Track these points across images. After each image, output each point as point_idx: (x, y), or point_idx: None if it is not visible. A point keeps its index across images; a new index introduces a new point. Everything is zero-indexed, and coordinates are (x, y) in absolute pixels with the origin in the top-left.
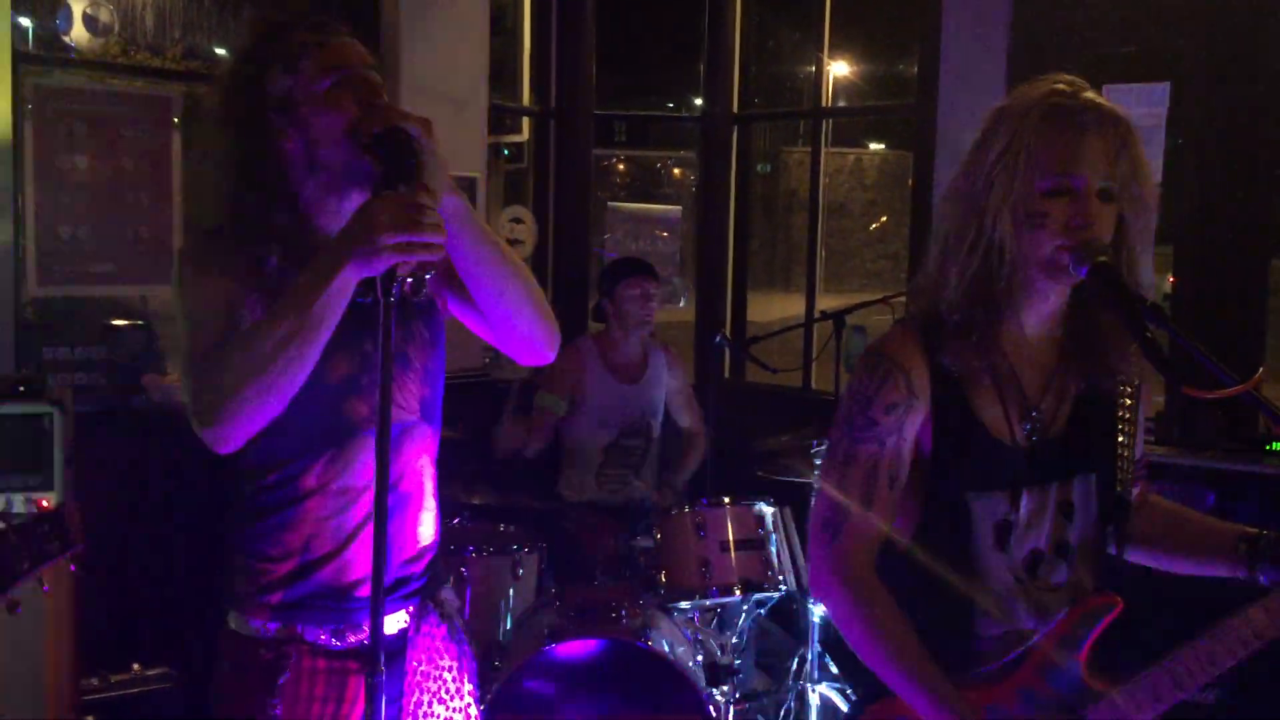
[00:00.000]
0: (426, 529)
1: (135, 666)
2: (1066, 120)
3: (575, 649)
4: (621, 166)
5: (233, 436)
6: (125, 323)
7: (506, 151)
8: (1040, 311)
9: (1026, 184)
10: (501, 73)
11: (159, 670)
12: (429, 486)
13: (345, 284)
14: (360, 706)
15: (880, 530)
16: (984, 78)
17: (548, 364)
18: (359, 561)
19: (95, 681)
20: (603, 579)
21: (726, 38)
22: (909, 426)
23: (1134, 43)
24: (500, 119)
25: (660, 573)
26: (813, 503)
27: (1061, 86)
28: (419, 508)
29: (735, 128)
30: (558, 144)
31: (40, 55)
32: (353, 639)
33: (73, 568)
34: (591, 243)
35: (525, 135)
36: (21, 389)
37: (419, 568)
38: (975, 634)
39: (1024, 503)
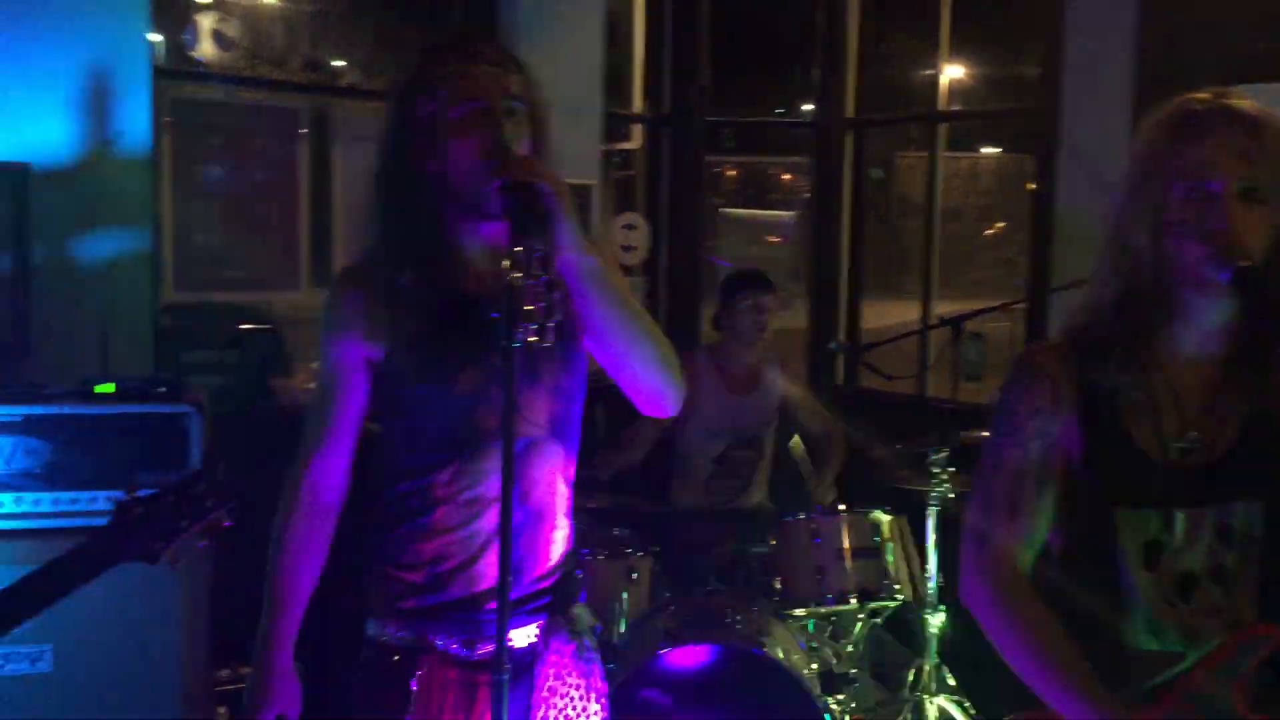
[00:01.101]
0: (558, 545)
1: None
2: (1196, 124)
3: (689, 655)
4: (731, 172)
5: None
6: (255, 327)
7: (616, 158)
8: (1197, 327)
9: (1162, 193)
10: (614, 80)
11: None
12: (560, 504)
13: None
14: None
15: (1029, 536)
16: (1110, 77)
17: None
18: (489, 573)
19: (227, 673)
20: (716, 585)
21: (842, 42)
22: (1054, 434)
23: (1274, 38)
24: (612, 126)
25: (775, 579)
26: (964, 509)
27: (1197, 94)
28: (550, 524)
29: (850, 133)
30: (670, 150)
31: (172, 70)
32: (483, 650)
33: (227, 523)
34: (703, 249)
35: (637, 142)
36: (163, 390)
37: (550, 583)
38: (1123, 653)
39: (1177, 524)
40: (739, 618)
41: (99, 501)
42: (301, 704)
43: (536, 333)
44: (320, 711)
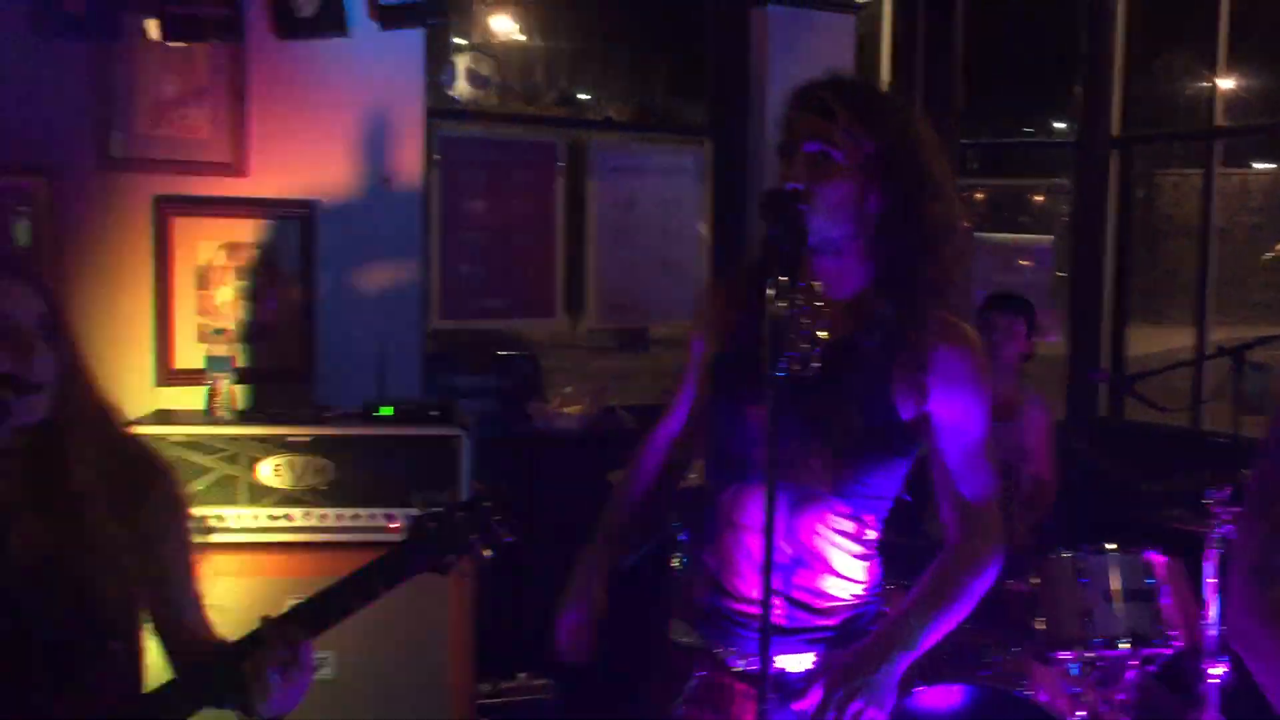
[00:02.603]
0: (836, 590)
1: (521, 675)
2: None
3: (944, 695)
4: (980, 195)
5: None
6: (513, 353)
7: None
8: None
9: None
10: None
11: (542, 681)
12: (838, 555)
13: None
14: None
15: None
16: None
17: None
18: (755, 596)
19: (488, 687)
20: (973, 622)
21: (1108, 57)
22: None
23: None
24: None
25: (1036, 619)
26: (1234, 544)
27: None
28: (823, 570)
29: (1115, 151)
30: None
31: (440, 110)
32: (753, 665)
33: (509, 538)
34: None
35: None
36: (435, 413)
37: (831, 621)
38: None
39: None
40: (998, 658)
41: (377, 517)
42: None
43: (799, 362)
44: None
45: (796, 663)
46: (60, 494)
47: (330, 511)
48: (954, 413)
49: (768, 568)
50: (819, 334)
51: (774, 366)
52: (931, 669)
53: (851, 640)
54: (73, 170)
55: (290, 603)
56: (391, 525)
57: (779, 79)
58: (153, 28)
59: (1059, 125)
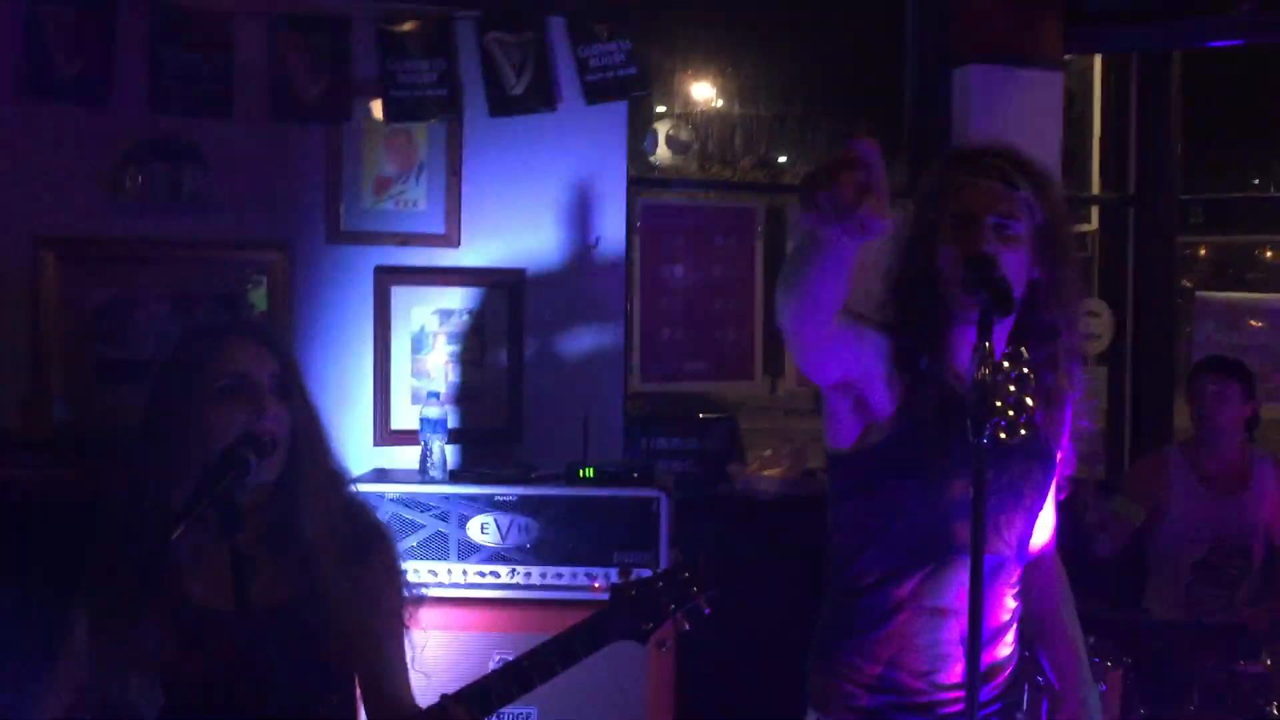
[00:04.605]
0: (1005, 655)
1: None
2: None
3: None
4: (1203, 252)
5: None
6: (713, 416)
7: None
8: None
9: None
10: (1070, 162)
11: None
12: (1009, 619)
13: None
14: None
15: None
16: None
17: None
18: (948, 682)
19: None
20: (1201, 706)
21: None
22: None
23: None
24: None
25: (1272, 704)
26: None
27: None
28: (1001, 638)
29: None
30: (1136, 231)
31: (638, 177)
32: None
33: (706, 610)
34: (1176, 336)
35: (1094, 225)
36: (635, 475)
37: (996, 693)
38: None
39: None
40: None
41: (579, 576)
42: None
43: (1006, 429)
44: None
45: None
46: (291, 547)
47: (535, 570)
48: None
49: (973, 647)
50: (1026, 400)
51: (979, 435)
52: None
53: (1014, 709)
54: (304, 243)
55: (497, 657)
56: (595, 584)
57: (981, 138)
58: (377, 109)
59: None
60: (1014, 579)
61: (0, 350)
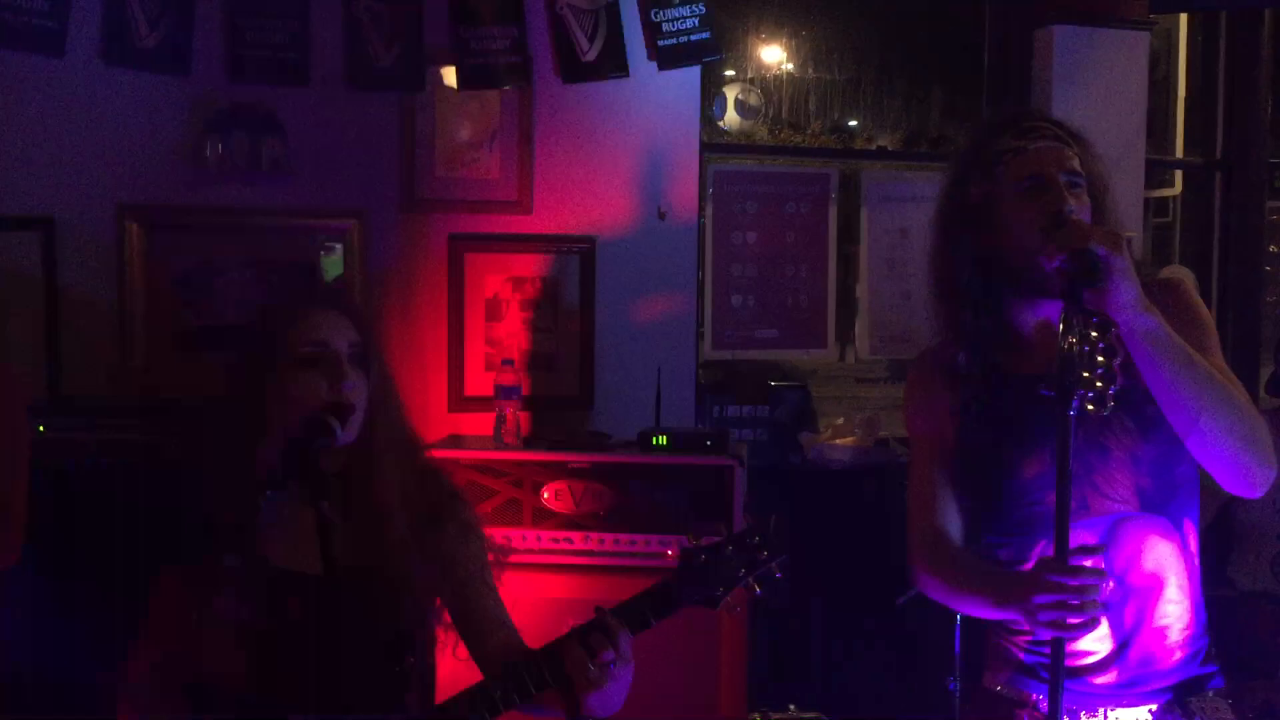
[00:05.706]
0: (1175, 625)
1: (791, 707)
2: None
3: None
4: None
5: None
6: (785, 384)
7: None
8: None
9: None
10: (1152, 124)
11: (812, 714)
12: (1175, 580)
13: (1000, 612)
14: None
15: None
16: None
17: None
18: (1081, 650)
19: (757, 716)
20: None
21: None
22: None
23: None
24: (1151, 173)
25: None
26: None
27: None
28: (1154, 602)
29: None
30: (1223, 196)
31: (710, 143)
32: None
33: (778, 574)
34: (1263, 304)
35: (1177, 189)
36: (709, 443)
37: (1163, 666)
38: None
39: None
40: None
41: (653, 544)
42: None
43: (1094, 401)
44: None
45: (1131, 717)
46: (367, 511)
47: (608, 536)
48: None
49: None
50: (1114, 371)
51: (1067, 405)
52: None
53: (1186, 697)
54: (379, 211)
55: (570, 624)
56: (668, 552)
57: (1064, 101)
58: (449, 76)
59: None
60: (1171, 532)
61: (86, 318)
